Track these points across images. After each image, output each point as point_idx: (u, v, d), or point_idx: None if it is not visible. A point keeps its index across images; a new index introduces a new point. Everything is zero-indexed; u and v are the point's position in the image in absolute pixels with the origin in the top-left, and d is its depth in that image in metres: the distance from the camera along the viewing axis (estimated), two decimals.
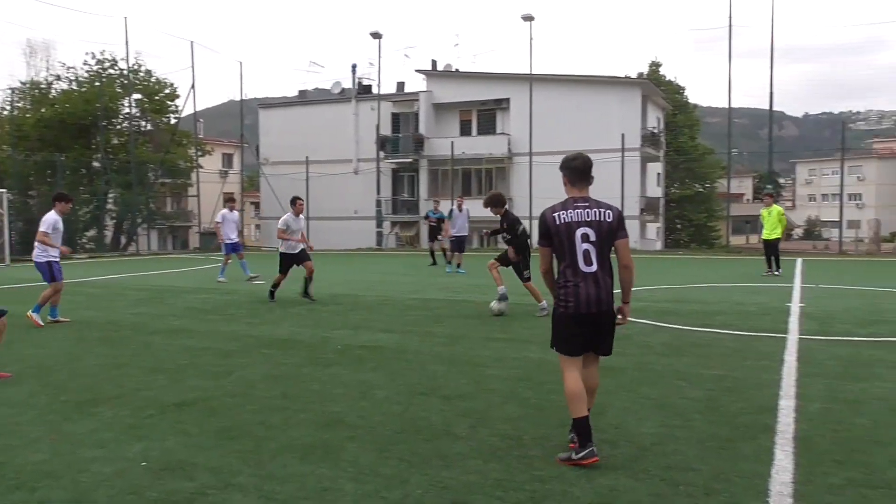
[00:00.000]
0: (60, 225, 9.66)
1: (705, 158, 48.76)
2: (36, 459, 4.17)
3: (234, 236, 16.07)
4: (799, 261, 21.31)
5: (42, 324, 9.45)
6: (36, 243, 9.62)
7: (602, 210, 4.19)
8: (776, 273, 16.16)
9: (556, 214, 4.20)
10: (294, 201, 11.98)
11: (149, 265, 23.55)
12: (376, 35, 36.88)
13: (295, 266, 11.84)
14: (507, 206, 9.99)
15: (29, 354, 7.45)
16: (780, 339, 7.79)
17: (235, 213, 16.49)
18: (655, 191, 42.21)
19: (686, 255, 27.17)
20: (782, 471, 3.85)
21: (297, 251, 11.75)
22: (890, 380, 5.87)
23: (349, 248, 34.20)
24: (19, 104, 35.82)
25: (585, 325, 4.15)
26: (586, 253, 4.12)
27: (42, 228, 9.51)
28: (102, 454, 4.25)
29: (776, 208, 16.59)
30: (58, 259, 9.73)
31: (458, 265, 18.32)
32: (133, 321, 9.93)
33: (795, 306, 10.60)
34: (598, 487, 3.65)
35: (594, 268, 4.12)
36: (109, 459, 4.16)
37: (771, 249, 16.40)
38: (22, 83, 37.19)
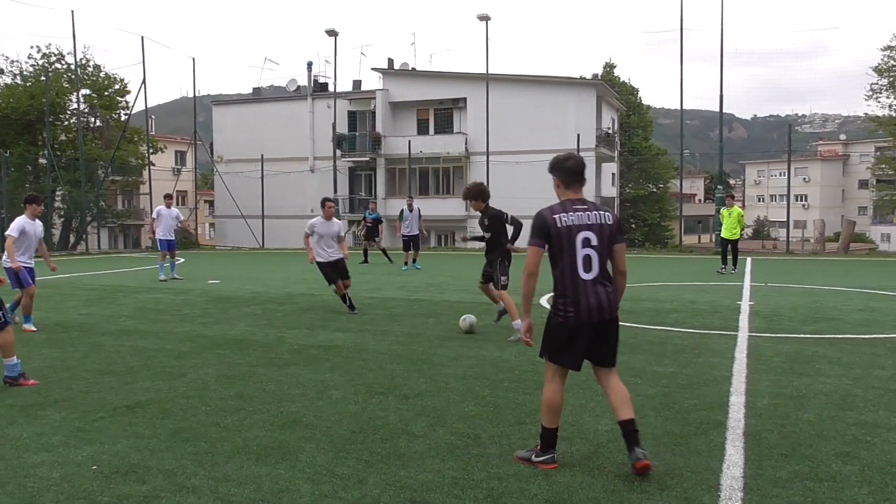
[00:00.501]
0: (31, 229, 8.98)
1: (658, 159, 49.68)
2: None
3: (170, 234, 15.68)
4: (749, 260, 21.82)
5: (35, 329, 8.92)
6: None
7: (602, 213, 3.99)
8: (732, 271, 16.59)
9: (556, 216, 3.94)
10: (324, 203, 10.36)
11: (99, 264, 22.99)
12: (332, 32, 36.57)
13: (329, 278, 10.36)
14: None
15: None
16: (731, 337, 7.98)
17: (173, 209, 16.00)
18: (610, 191, 42.84)
19: (640, 255, 27.58)
20: (733, 465, 3.95)
21: (333, 259, 10.29)
22: (832, 375, 6.06)
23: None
24: None
25: (586, 335, 3.92)
26: (586, 258, 3.91)
27: (8, 232, 8.87)
28: (50, 458, 4.14)
29: (736, 209, 17.07)
30: (27, 264, 8.99)
31: (415, 260, 18.88)
32: (82, 322, 9.69)
33: (745, 304, 10.86)
34: (555, 485, 3.69)
35: (594, 274, 3.91)
36: (57, 463, 4.05)
37: (730, 248, 16.90)
38: None
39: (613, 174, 44.20)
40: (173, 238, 15.79)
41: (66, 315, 10.39)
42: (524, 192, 34.20)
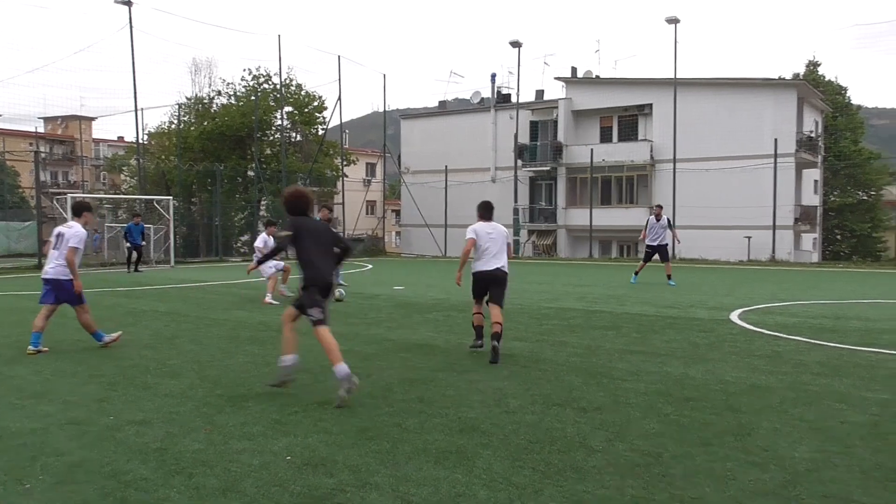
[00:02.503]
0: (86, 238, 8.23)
1: (870, 163, 45.12)
2: (193, 448, 4.48)
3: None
4: None
5: (113, 337, 8.32)
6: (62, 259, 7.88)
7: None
8: None
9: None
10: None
11: (298, 269, 24.74)
12: (516, 44, 36.99)
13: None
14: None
15: (188, 350, 8.04)
16: None
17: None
18: (812, 199, 39.51)
19: (847, 269, 25.21)
20: None
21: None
22: None
23: None
24: (185, 118, 38.85)
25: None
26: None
27: (73, 244, 7.83)
28: (251, 446, 4.50)
29: None
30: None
31: (669, 276, 17.01)
32: (281, 322, 10.45)
33: None
34: None
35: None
36: (257, 452, 4.40)
37: None
38: (187, 99, 40.31)
39: (816, 181, 40.76)
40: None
41: (268, 316, 11.28)
42: (713, 201, 32.60)
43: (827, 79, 47.49)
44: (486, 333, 7.71)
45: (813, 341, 8.38)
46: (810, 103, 37.60)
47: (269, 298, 13.03)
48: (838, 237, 46.10)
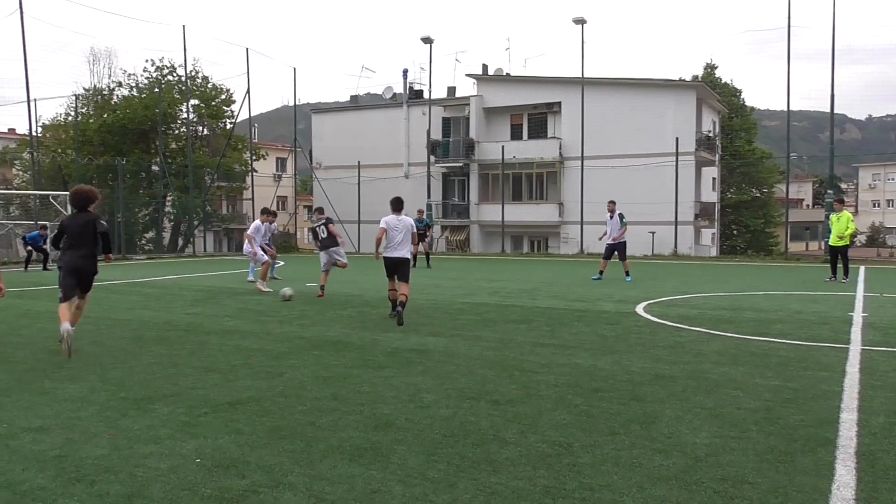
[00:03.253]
0: None
1: (763, 162, 47.66)
2: (95, 454, 4.29)
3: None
4: (862, 269, 20.63)
5: None
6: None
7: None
8: (843, 280, 15.73)
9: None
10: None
11: (205, 266, 24.10)
12: (427, 40, 37.11)
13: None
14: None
15: (88, 352, 7.69)
16: (842, 350, 7.55)
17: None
18: (710, 196, 41.43)
19: (742, 262, 26.55)
20: (844, 486, 3.72)
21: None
22: None
23: None
24: (83, 110, 37.10)
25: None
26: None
27: None
28: (158, 450, 4.35)
29: (846, 214, 16.07)
30: None
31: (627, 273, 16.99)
32: (188, 321, 10.17)
33: (858, 316, 10.26)
34: (650, 498, 3.58)
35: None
36: (165, 455, 4.26)
37: (839, 256, 16.02)
38: (85, 90, 38.54)
39: (714, 178, 42.74)
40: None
41: (174, 314, 10.92)
42: (619, 197, 33.68)
43: (723, 81, 49.84)
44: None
45: (712, 332, 8.78)
46: (708, 104, 39.37)
47: (260, 286, 14.12)
48: (735, 232, 48.51)
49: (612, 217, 17.00)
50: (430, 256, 23.45)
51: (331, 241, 13.41)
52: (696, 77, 48.82)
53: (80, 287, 7.92)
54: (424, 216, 23.72)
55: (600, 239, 17.72)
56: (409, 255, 10.15)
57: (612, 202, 17.45)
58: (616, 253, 16.95)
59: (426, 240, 22.79)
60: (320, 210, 14.73)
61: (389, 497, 3.62)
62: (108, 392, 5.86)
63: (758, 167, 47.38)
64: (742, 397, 5.56)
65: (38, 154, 33.53)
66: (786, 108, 30.30)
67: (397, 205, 10.18)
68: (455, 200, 40.51)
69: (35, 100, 34.81)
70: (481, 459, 4.16)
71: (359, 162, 37.92)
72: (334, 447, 4.39)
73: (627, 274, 16.86)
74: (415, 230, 10.57)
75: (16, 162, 39.34)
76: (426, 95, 39.67)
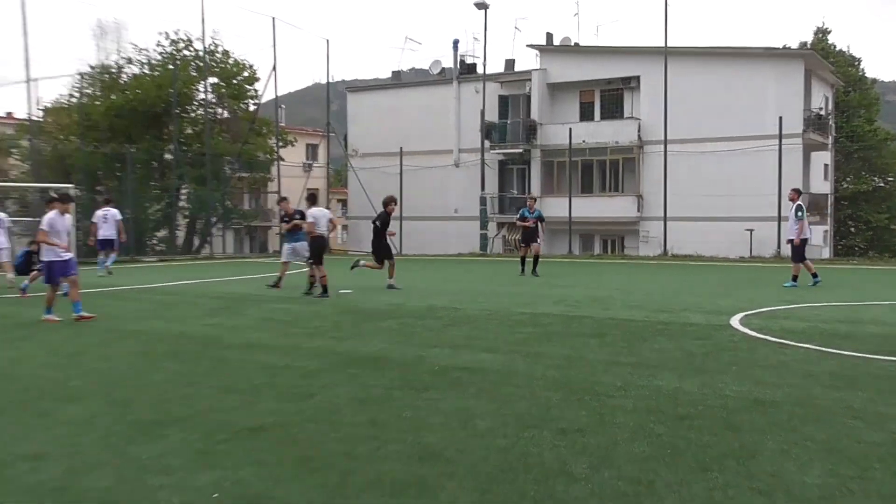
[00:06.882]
0: (61, 224, 11.60)
1: (887, 145, 46.38)
2: (99, 486, 4.39)
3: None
4: None
5: (58, 319, 11.32)
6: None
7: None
8: None
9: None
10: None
11: (224, 270, 24.53)
12: (482, 5, 37.13)
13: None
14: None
15: (93, 368, 7.90)
16: None
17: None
18: (822, 186, 40.45)
19: (861, 265, 25.86)
20: None
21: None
22: None
23: (448, 254, 34.49)
24: (88, 91, 38.03)
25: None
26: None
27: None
28: (170, 482, 4.43)
29: None
30: (60, 258, 11.50)
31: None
32: (206, 333, 10.35)
33: None
34: None
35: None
36: (178, 488, 4.33)
37: None
38: (91, 68, 39.45)
39: (826, 165, 41.73)
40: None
41: (190, 326, 11.14)
42: (710, 188, 33.17)
43: (838, 49, 48.71)
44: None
45: (824, 349, 8.56)
46: (819, 76, 38.46)
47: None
48: (852, 230, 47.31)
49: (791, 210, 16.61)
50: (539, 260, 20.37)
51: (302, 236, 16.00)
52: (804, 44, 47.81)
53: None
54: (537, 206, 21.23)
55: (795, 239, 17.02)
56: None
57: (795, 190, 17.06)
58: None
59: (538, 239, 20.12)
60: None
61: None
62: (114, 414, 6.00)
63: (881, 151, 46.13)
64: (863, 428, 5.40)
65: (38, 141, 34.56)
66: None
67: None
68: (514, 193, 40.37)
69: (35, 80, 35.94)
70: (545, 497, 4.13)
71: (401, 148, 38.14)
72: (373, 481, 4.41)
73: (794, 279, 16.61)
74: (333, 218, 13.39)
75: (13, 150, 40.62)
76: (480, 70, 39.68)
